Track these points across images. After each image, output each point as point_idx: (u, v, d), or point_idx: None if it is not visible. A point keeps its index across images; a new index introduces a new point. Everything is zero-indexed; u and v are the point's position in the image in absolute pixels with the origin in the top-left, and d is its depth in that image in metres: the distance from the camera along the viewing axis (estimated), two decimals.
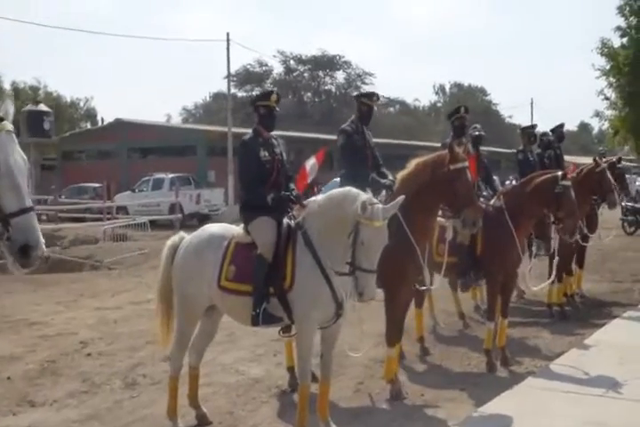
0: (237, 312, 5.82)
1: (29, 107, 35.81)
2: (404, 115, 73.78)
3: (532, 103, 66.18)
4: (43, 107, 35.74)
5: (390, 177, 7.04)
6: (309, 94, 65.11)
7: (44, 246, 3.85)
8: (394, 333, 6.79)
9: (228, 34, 33.47)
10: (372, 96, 7.25)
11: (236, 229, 6.00)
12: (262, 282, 5.56)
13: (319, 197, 5.67)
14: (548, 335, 9.09)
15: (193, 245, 6.01)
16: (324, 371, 5.74)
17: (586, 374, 7.13)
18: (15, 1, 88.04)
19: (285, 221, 5.74)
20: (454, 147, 6.47)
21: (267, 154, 5.95)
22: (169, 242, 6.26)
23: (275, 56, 62.54)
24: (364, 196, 5.24)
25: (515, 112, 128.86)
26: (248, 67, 62.30)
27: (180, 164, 32.89)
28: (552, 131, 12.38)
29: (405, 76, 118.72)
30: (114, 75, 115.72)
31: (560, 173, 7.73)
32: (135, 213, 27.72)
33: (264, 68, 62.75)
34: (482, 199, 8.00)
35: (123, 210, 28.88)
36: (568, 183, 7.64)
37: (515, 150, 11.37)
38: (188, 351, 6.28)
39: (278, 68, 63.99)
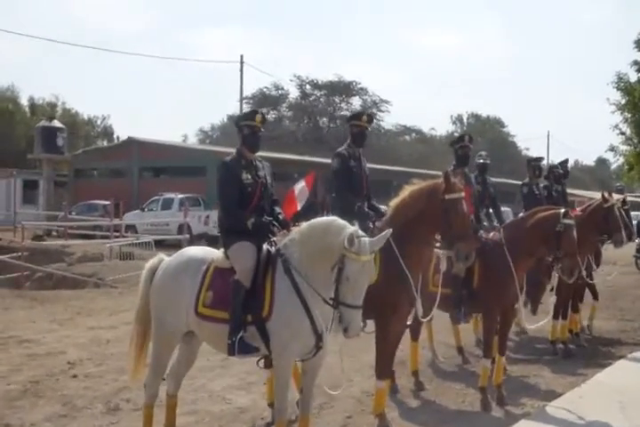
0: (215, 340, 5.62)
1: (43, 122, 35.94)
2: (420, 143, 73.70)
3: (548, 135, 65.98)
4: (56, 123, 35.84)
5: (382, 209, 6.86)
6: (325, 119, 65.08)
7: None
8: (384, 365, 6.56)
9: (241, 56, 33.88)
10: (360, 116, 7.07)
11: (216, 253, 5.81)
12: (239, 309, 5.36)
13: (302, 225, 5.49)
14: (548, 374, 8.80)
15: (171, 268, 5.83)
16: (304, 407, 5.49)
17: (581, 418, 6.86)
18: (34, 18, 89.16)
19: (265, 246, 5.55)
20: (449, 176, 6.26)
21: (249, 176, 5.78)
22: (148, 264, 6.09)
23: (291, 80, 62.92)
24: (351, 228, 5.03)
25: (531, 144, 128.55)
26: (264, 90, 62.55)
27: (191, 184, 32.75)
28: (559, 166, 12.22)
29: (422, 105, 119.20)
30: (131, 94, 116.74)
31: (563, 210, 7.49)
32: (144, 232, 27.64)
33: (280, 91, 63.01)
34: (481, 231, 7.79)
35: (132, 228, 28.77)
36: (571, 222, 7.39)
37: (520, 183, 11.16)
38: (167, 379, 6.08)
39: (294, 92, 64.25)
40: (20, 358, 9.18)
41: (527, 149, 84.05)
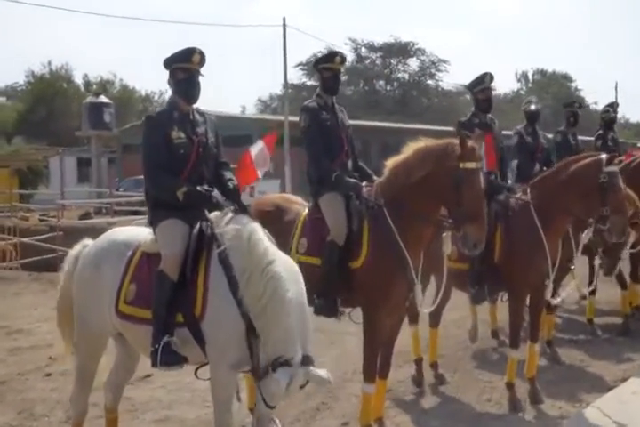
0: (142, 346, 4.49)
1: (90, 99, 35.49)
2: None
3: (616, 87, 62.51)
4: (103, 98, 35.33)
5: (370, 173, 5.61)
6: (381, 82, 63.15)
7: None
8: (372, 364, 5.33)
9: (284, 19, 32.16)
10: (333, 57, 5.73)
11: (146, 234, 4.66)
12: (163, 308, 4.23)
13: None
14: (597, 361, 7.41)
15: (91, 255, 4.74)
16: None
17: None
18: None
19: (199, 226, 4.37)
20: (466, 140, 4.92)
21: (182, 134, 4.55)
22: (72, 251, 4.99)
23: (346, 44, 61.03)
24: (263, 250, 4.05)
25: (599, 98, 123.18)
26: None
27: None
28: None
29: (485, 64, 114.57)
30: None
31: (604, 155, 6.03)
32: None
33: None
34: (506, 192, 6.39)
35: None
36: (615, 169, 5.96)
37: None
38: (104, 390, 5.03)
39: (349, 56, 62.34)
40: (2, 352, 8.31)
41: (595, 103, 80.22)
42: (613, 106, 10.61)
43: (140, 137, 4.62)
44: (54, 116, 47.56)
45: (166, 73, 4.71)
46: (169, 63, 4.67)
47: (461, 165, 4.86)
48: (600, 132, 9.92)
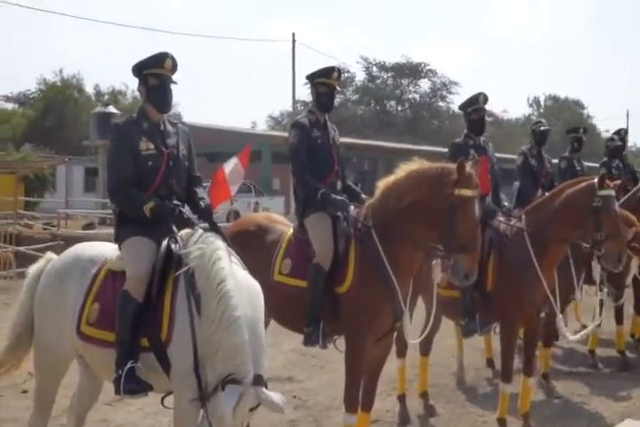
0: (105, 371, 4.23)
1: (98, 109, 35.49)
2: (491, 126, 70.94)
3: (627, 114, 62.28)
4: (112, 109, 35.32)
5: (359, 193, 5.43)
6: (392, 103, 63.14)
7: None
8: (354, 394, 5.04)
9: (293, 35, 32.12)
10: (330, 73, 5.49)
11: (112, 250, 4.42)
12: (128, 330, 3.97)
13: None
14: (596, 396, 7.10)
15: (54, 271, 4.50)
16: None
17: None
18: (101, 6, 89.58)
19: (166, 243, 4.13)
20: (464, 165, 4.66)
21: (151, 145, 4.29)
22: (33, 267, 4.75)
23: (358, 62, 61.09)
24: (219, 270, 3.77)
25: (610, 125, 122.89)
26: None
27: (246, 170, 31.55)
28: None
29: (496, 88, 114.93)
30: (199, 80, 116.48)
31: (597, 179, 5.82)
32: None
33: (346, 74, 61.16)
34: (501, 215, 6.16)
35: None
36: (610, 193, 5.75)
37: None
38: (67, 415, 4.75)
39: (361, 75, 62.34)
40: None
41: (607, 131, 79.92)
42: (621, 133, 10.40)
43: None
44: (64, 125, 47.55)
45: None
46: (139, 69, 4.41)
47: (456, 192, 4.60)
48: (604, 159, 9.72)
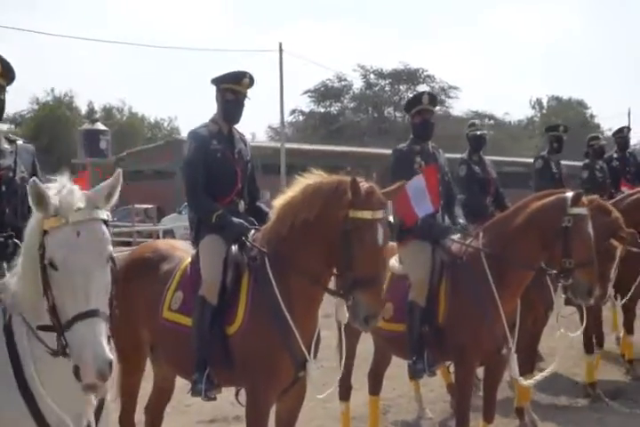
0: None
1: (86, 126, 34.90)
2: (493, 129, 70.13)
3: (629, 113, 61.15)
4: (100, 126, 34.68)
5: (270, 215, 4.51)
6: (390, 109, 62.37)
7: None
8: None
9: (280, 44, 31.24)
10: (240, 78, 4.69)
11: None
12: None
13: None
14: None
15: None
16: None
17: None
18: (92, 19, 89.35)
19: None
20: (357, 183, 3.83)
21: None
22: None
23: (354, 70, 60.38)
24: None
25: (613, 124, 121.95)
26: (327, 82, 60.26)
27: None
28: (613, 136, 9.64)
29: (498, 91, 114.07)
30: (197, 94, 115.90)
31: (571, 193, 4.92)
32: (182, 238, 25.89)
33: (343, 82, 60.52)
34: (455, 234, 5.30)
35: (170, 233, 27.11)
36: (582, 211, 4.85)
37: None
38: None
39: (358, 83, 61.65)
40: None
41: (610, 129, 78.81)
42: (624, 131, 9.65)
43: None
44: (56, 144, 47.13)
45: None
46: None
47: (351, 215, 3.79)
48: (587, 161, 8.86)
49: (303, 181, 4.12)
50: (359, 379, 6.12)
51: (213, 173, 4.56)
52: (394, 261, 5.38)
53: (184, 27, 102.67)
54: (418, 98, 5.68)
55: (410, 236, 5.21)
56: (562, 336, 6.11)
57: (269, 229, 4.24)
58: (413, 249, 5.21)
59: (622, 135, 9.64)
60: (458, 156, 9.27)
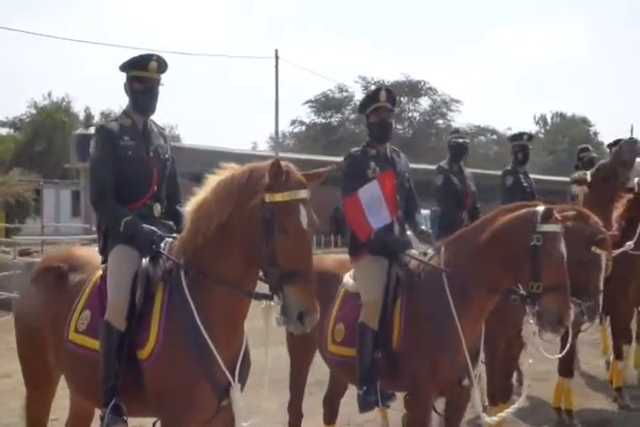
0: None
1: (80, 131, 34.48)
2: (495, 144, 69.61)
3: (631, 130, 60.62)
4: (94, 131, 34.17)
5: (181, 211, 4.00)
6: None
7: None
8: None
9: (276, 51, 30.81)
10: (147, 62, 4.12)
11: None
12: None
13: None
14: None
15: None
16: None
17: None
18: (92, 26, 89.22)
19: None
20: (279, 163, 3.39)
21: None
22: None
23: (356, 82, 59.97)
24: None
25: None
26: (328, 93, 59.81)
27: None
28: (608, 147, 9.08)
29: (503, 106, 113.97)
30: (200, 103, 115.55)
31: (543, 207, 4.36)
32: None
33: (344, 93, 60.06)
34: (412, 249, 4.73)
35: None
36: (554, 229, 4.27)
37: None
38: None
39: (360, 95, 61.24)
40: None
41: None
42: (618, 144, 9.04)
43: None
44: (53, 148, 46.72)
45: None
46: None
47: (267, 199, 3.32)
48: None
49: (214, 179, 3.62)
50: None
51: (124, 173, 4.05)
52: (348, 278, 4.85)
53: (185, 33, 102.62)
54: (374, 95, 5.07)
55: (364, 250, 4.66)
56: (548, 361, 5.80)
57: (184, 237, 3.73)
58: (367, 265, 4.68)
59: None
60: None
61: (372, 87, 59.48)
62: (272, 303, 3.40)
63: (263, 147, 76.47)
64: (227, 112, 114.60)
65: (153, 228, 3.92)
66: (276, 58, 30.72)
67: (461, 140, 6.94)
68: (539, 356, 6.97)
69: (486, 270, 4.34)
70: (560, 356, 5.56)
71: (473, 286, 4.35)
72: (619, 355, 7.51)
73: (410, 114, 60.54)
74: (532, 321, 4.29)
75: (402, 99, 60.87)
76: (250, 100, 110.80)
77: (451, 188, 6.67)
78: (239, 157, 31.53)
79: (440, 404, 4.71)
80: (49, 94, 50.76)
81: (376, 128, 5.04)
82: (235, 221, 3.46)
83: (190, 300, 3.54)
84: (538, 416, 7.16)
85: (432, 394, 4.48)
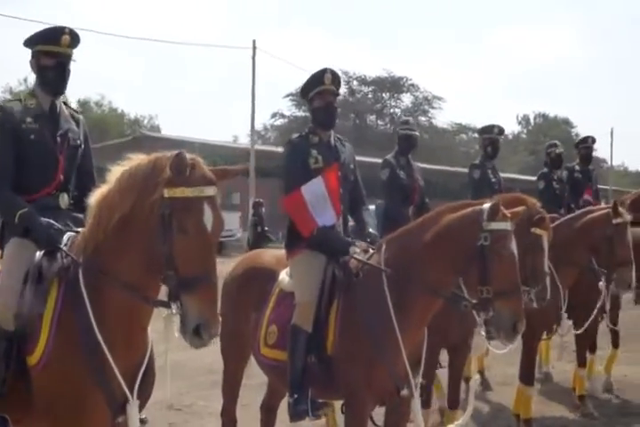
0: None
1: None
2: (477, 142, 69.57)
3: (611, 133, 60.71)
4: None
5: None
6: (372, 117, 61.45)
7: None
8: None
9: (254, 41, 30.17)
10: (57, 36, 3.68)
11: None
12: None
13: None
14: None
15: None
16: None
17: None
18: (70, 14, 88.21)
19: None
20: (182, 155, 3.03)
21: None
22: None
23: None
24: None
25: (598, 144, 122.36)
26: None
27: None
28: (576, 146, 8.75)
29: (480, 104, 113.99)
30: (181, 95, 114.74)
31: (488, 204, 3.97)
32: None
33: None
34: (354, 247, 4.31)
35: None
36: (504, 227, 3.89)
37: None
38: None
39: (341, 90, 60.81)
40: None
41: (595, 149, 78.66)
42: (588, 141, 8.72)
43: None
44: None
45: None
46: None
47: (167, 194, 2.98)
48: (544, 170, 7.96)
49: (119, 169, 3.24)
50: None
51: (25, 159, 3.63)
52: (284, 275, 4.45)
53: (169, 23, 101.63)
54: (318, 77, 4.60)
55: (301, 245, 4.26)
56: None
57: (86, 231, 3.34)
58: (302, 261, 4.29)
59: (587, 145, 8.73)
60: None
61: (355, 83, 59.83)
62: (173, 311, 3.00)
63: (244, 140, 75.97)
64: (210, 104, 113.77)
65: (51, 221, 3.52)
66: (254, 49, 30.18)
67: (411, 133, 6.60)
68: (505, 359, 6.74)
69: (430, 272, 3.95)
70: (506, 351, 5.22)
71: (415, 289, 3.95)
72: (582, 362, 7.20)
73: (391, 110, 60.15)
74: (482, 332, 3.87)
75: (384, 95, 60.70)
76: (232, 92, 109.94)
77: (396, 182, 6.34)
78: (217, 149, 31.19)
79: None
80: (24, 80, 50.01)
81: (321, 113, 4.60)
82: (136, 216, 3.11)
83: (87, 300, 3.15)
84: (498, 422, 6.88)
85: (368, 404, 4.08)
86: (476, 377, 5.32)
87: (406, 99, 60.74)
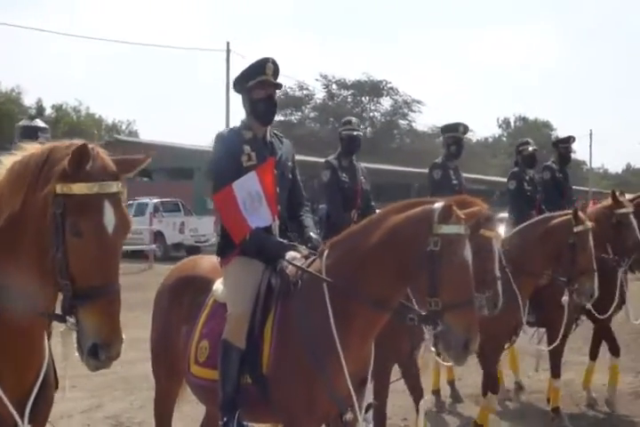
0: None
1: (24, 122, 33.02)
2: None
3: (590, 135, 60.75)
4: (39, 122, 32.76)
5: None
6: None
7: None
8: None
9: (228, 44, 29.83)
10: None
11: None
12: None
13: None
14: None
15: None
16: None
17: None
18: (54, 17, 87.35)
19: None
20: (86, 147, 2.58)
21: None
22: None
23: (317, 80, 59.25)
24: None
25: (577, 147, 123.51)
26: (288, 90, 58.92)
27: (178, 187, 29.85)
28: (554, 145, 8.32)
29: (460, 107, 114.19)
30: (157, 99, 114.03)
31: (440, 204, 3.51)
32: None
33: (305, 91, 59.17)
34: (294, 252, 3.87)
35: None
36: (458, 231, 3.44)
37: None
38: None
39: (320, 93, 60.37)
40: None
41: (574, 152, 78.99)
42: (569, 141, 8.30)
43: None
44: (1, 140, 45.43)
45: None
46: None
47: (58, 190, 2.57)
48: (515, 169, 7.53)
49: (11, 159, 2.76)
50: None
51: None
52: (218, 284, 4.00)
53: (145, 26, 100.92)
54: (259, 66, 4.10)
55: (235, 251, 3.83)
56: None
57: None
58: (236, 269, 3.85)
59: (567, 145, 8.29)
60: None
61: (334, 86, 59.43)
62: (68, 326, 2.56)
63: None
64: (188, 108, 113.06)
65: None
66: (228, 51, 29.78)
67: (355, 133, 6.19)
68: (477, 369, 6.35)
69: (374, 282, 3.50)
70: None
71: (358, 301, 3.50)
72: (555, 373, 6.79)
73: (371, 114, 59.90)
74: (432, 348, 3.42)
75: (363, 98, 60.38)
76: (212, 96, 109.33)
77: (337, 184, 5.95)
78: (193, 153, 30.55)
79: None
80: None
81: (261, 105, 4.11)
82: (27, 214, 2.64)
83: None
84: None
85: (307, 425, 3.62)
86: (426, 397, 4.87)
87: (386, 102, 60.62)
